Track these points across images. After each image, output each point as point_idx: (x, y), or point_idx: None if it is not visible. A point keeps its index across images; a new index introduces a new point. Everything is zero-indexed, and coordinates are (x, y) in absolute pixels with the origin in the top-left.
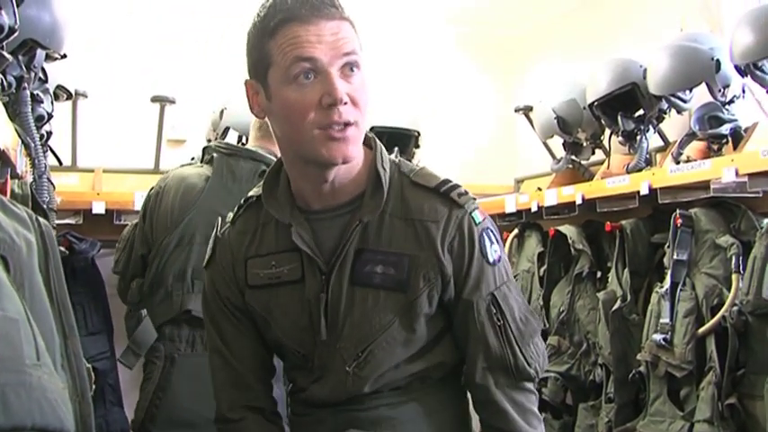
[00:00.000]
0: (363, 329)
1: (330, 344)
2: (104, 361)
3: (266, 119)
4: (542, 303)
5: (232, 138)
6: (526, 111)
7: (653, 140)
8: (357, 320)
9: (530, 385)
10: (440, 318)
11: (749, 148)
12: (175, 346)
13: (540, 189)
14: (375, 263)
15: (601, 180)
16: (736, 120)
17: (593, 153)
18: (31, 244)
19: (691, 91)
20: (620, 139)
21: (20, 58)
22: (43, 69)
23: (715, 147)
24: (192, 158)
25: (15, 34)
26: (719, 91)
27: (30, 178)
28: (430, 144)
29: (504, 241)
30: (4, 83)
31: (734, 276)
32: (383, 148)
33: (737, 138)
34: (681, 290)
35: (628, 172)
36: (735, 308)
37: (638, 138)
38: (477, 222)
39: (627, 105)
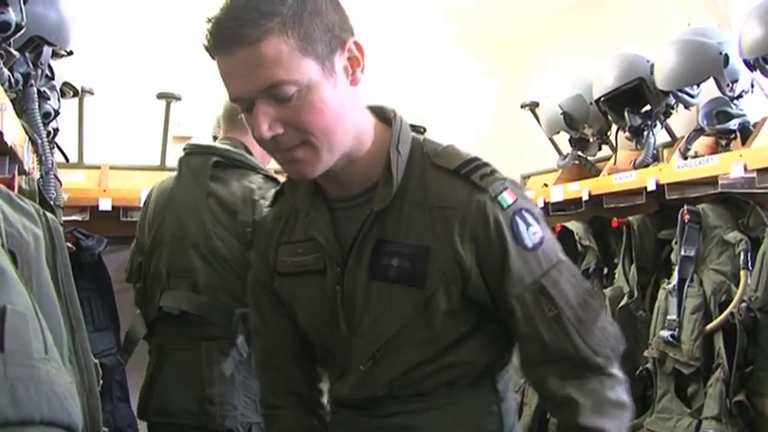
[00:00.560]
0: (379, 327)
1: (349, 340)
2: (111, 357)
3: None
4: None
5: None
6: (532, 107)
7: (660, 136)
8: (373, 317)
9: (607, 371)
10: (467, 316)
11: (758, 143)
12: (166, 341)
13: (546, 185)
14: (392, 255)
15: (607, 176)
16: (744, 115)
17: (600, 149)
18: (38, 238)
19: (698, 86)
20: (627, 134)
21: (27, 55)
22: (50, 66)
23: (723, 142)
24: None
25: (22, 31)
26: (728, 86)
27: (37, 175)
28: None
29: None
30: (12, 80)
31: (742, 273)
32: (403, 126)
33: (746, 133)
34: (688, 286)
35: (635, 168)
36: (743, 304)
37: (645, 133)
38: (506, 206)
39: (634, 101)
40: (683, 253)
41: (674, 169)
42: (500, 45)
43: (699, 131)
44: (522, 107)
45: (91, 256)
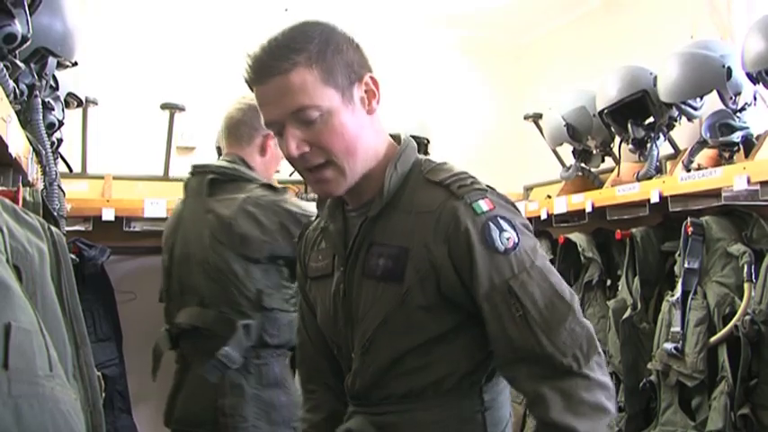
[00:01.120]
0: (368, 318)
1: (350, 334)
2: (113, 368)
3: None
4: None
5: None
6: (535, 118)
7: (663, 148)
8: (364, 310)
9: (581, 372)
10: (447, 314)
11: (761, 155)
12: (187, 354)
13: (549, 196)
14: (379, 255)
15: (611, 188)
16: (747, 127)
17: (603, 161)
18: (43, 253)
19: (701, 98)
20: (631, 146)
21: (32, 66)
22: (54, 77)
23: (726, 154)
24: None
25: (28, 43)
26: (731, 98)
27: (40, 185)
28: (438, 151)
29: None
30: (17, 91)
31: (746, 285)
32: (408, 148)
33: (749, 145)
34: (692, 298)
35: (638, 180)
36: (747, 317)
37: (649, 145)
38: (480, 212)
39: (637, 113)
40: (686, 265)
41: (678, 181)
42: (504, 56)
43: (702, 144)
44: (525, 118)
45: (93, 266)
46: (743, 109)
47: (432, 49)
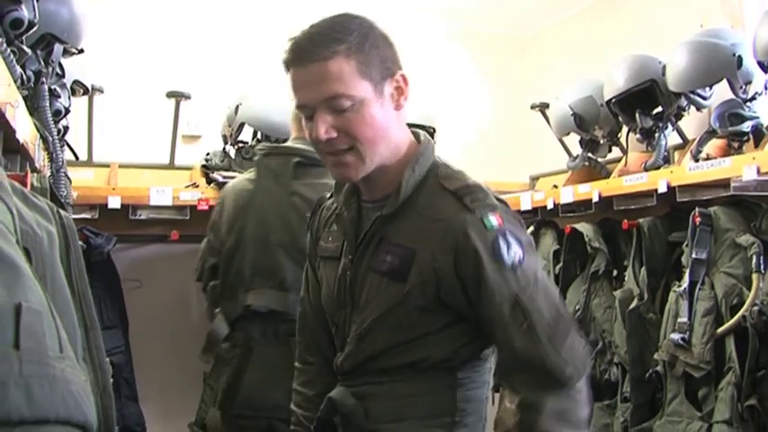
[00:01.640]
0: (368, 309)
1: (350, 318)
2: (119, 355)
3: None
4: None
5: (247, 133)
6: (542, 108)
7: (671, 138)
8: (365, 301)
9: (575, 385)
10: (440, 315)
11: None
12: (251, 337)
13: (556, 186)
14: (387, 252)
15: (618, 178)
16: (757, 117)
17: (610, 150)
18: (52, 236)
19: (711, 87)
20: (638, 136)
21: (38, 52)
22: (60, 64)
23: (735, 144)
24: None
25: (35, 28)
26: (741, 88)
27: (47, 172)
28: (444, 141)
29: None
30: (24, 77)
31: (754, 276)
32: (427, 149)
33: (759, 135)
34: (699, 289)
35: (645, 170)
36: (755, 308)
37: (657, 135)
38: (490, 227)
39: (645, 102)
40: (694, 255)
41: (686, 171)
42: (512, 45)
43: (711, 133)
44: (531, 108)
45: (100, 254)
46: (753, 98)
47: (436, 42)
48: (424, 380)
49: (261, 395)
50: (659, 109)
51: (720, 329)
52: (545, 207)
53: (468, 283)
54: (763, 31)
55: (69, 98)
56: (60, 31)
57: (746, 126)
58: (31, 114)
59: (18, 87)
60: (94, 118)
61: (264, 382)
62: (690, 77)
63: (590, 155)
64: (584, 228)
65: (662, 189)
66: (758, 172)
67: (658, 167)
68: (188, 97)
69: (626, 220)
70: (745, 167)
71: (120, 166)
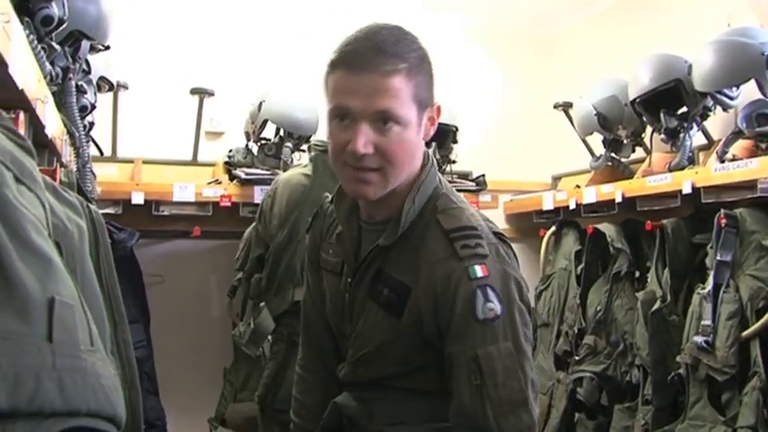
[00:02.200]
0: (364, 337)
1: (350, 335)
2: (141, 349)
3: None
4: (579, 302)
5: (269, 130)
6: (565, 107)
7: (696, 138)
8: (362, 328)
9: None
10: (429, 350)
11: None
12: (296, 332)
13: (578, 186)
14: (385, 284)
15: (642, 178)
16: None
17: (634, 151)
18: (82, 230)
19: (738, 87)
20: (663, 136)
21: (66, 49)
22: (87, 61)
23: (763, 145)
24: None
25: (64, 25)
26: None
27: (74, 167)
28: (468, 140)
29: (541, 239)
30: (52, 73)
31: None
32: (428, 177)
33: None
34: (724, 291)
35: (670, 170)
36: None
37: (681, 135)
38: (473, 277)
39: (670, 102)
40: (718, 258)
41: (711, 172)
42: (535, 44)
43: (737, 134)
44: (555, 107)
45: (123, 249)
46: None
47: (457, 39)
48: (425, 396)
49: None
50: (684, 109)
51: (745, 333)
52: (567, 207)
53: (443, 328)
54: None
55: (95, 94)
56: (88, 28)
57: None
58: (58, 110)
59: (47, 83)
60: (119, 114)
61: None
62: (716, 77)
63: (613, 155)
64: (606, 228)
65: (686, 190)
66: None
67: (683, 168)
68: (211, 94)
69: (649, 221)
70: None
71: (144, 162)
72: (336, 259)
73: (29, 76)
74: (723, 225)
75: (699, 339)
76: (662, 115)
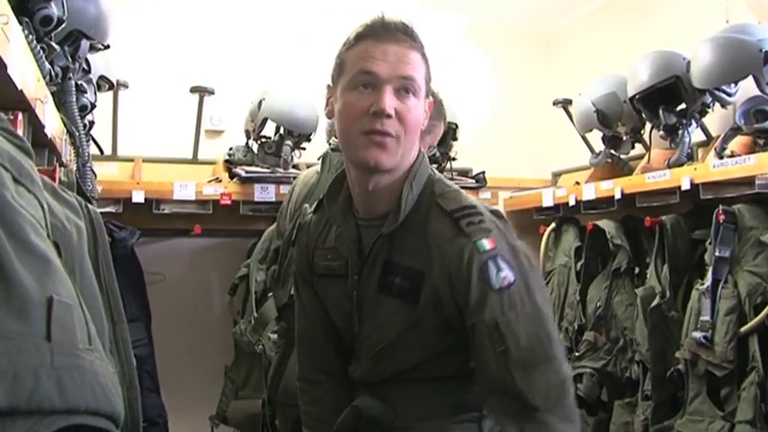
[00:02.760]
0: (380, 332)
1: (361, 334)
2: (142, 348)
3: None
4: (579, 298)
5: (270, 128)
6: (565, 104)
7: (695, 135)
8: (378, 322)
9: (543, 417)
10: (450, 333)
11: None
12: (292, 327)
13: (578, 183)
14: (396, 274)
15: (641, 174)
16: None
17: (633, 147)
18: (81, 230)
19: (736, 84)
20: (662, 133)
21: (65, 48)
22: (87, 60)
23: (761, 141)
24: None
25: (63, 25)
26: (767, 84)
27: (73, 167)
28: (468, 137)
29: (541, 236)
30: (52, 73)
31: None
32: (422, 165)
33: None
34: (722, 287)
35: (669, 167)
36: None
37: (680, 132)
38: (482, 251)
39: (669, 99)
40: (717, 253)
41: (710, 169)
42: (536, 41)
43: (736, 130)
44: (554, 104)
45: (123, 247)
46: None
47: (461, 37)
48: (447, 383)
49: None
50: (683, 106)
51: (744, 328)
52: (567, 204)
53: (461, 304)
54: None
55: (95, 93)
56: (87, 28)
57: None
58: (58, 110)
59: (47, 83)
60: (119, 113)
61: None
62: (715, 73)
63: (612, 151)
64: (606, 225)
65: (685, 186)
66: None
67: (682, 164)
68: (211, 92)
69: (648, 218)
70: None
71: (144, 161)
72: (338, 262)
73: (28, 76)
74: (721, 221)
75: (698, 335)
76: (661, 112)
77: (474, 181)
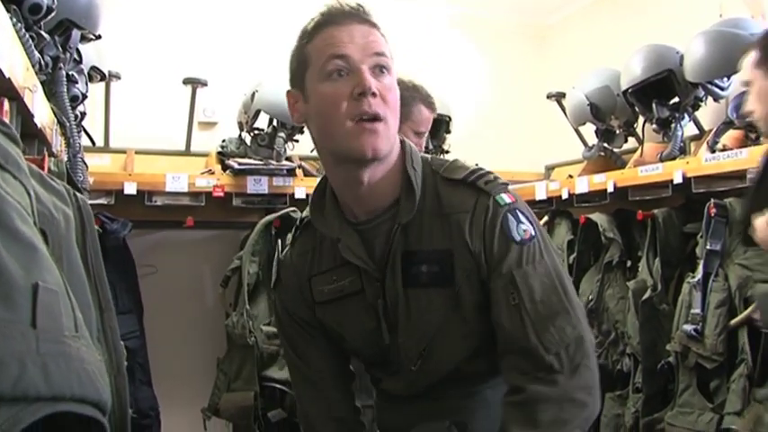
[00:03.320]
0: (421, 328)
1: (396, 344)
2: (134, 340)
3: (306, 126)
4: None
5: (263, 120)
6: (558, 97)
7: (688, 129)
8: (414, 320)
9: (558, 375)
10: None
11: None
12: None
13: (571, 176)
14: (420, 263)
15: (633, 168)
16: None
17: (626, 141)
18: (68, 218)
19: (729, 78)
20: (655, 126)
21: (56, 38)
22: (78, 50)
23: (753, 136)
24: None
25: (53, 14)
26: None
27: (64, 158)
28: (461, 130)
29: None
30: (42, 62)
31: None
32: (413, 147)
33: None
34: (713, 280)
35: (661, 160)
36: None
37: (673, 126)
38: (502, 204)
39: (662, 92)
40: (708, 247)
41: (702, 162)
42: (530, 34)
43: (728, 124)
44: (548, 97)
45: (115, 239)
46: None
47: (454, 30)
48: (497, 375)
49: None
50: (676, 99)
51: (733, 321)
52: (560, 197)
53: (489, 260)
54: None
55: (87, 84)
56: (78, 17)
57: None
58: (48, 100)
59: (36, 72)
60: (111, 104)
61: None
62: (708, 67)
63: (605, 145)
64: (598, 218)
65: (677, 180)
66: None
67: (674, 158)
68: (204, 84)
69: (641, 211)
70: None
71: (137, 153)
72: (348, 279)
73: (16, 64)
74: (713, 215)
75: (688, 328)
76: (654, 105)
77: None
